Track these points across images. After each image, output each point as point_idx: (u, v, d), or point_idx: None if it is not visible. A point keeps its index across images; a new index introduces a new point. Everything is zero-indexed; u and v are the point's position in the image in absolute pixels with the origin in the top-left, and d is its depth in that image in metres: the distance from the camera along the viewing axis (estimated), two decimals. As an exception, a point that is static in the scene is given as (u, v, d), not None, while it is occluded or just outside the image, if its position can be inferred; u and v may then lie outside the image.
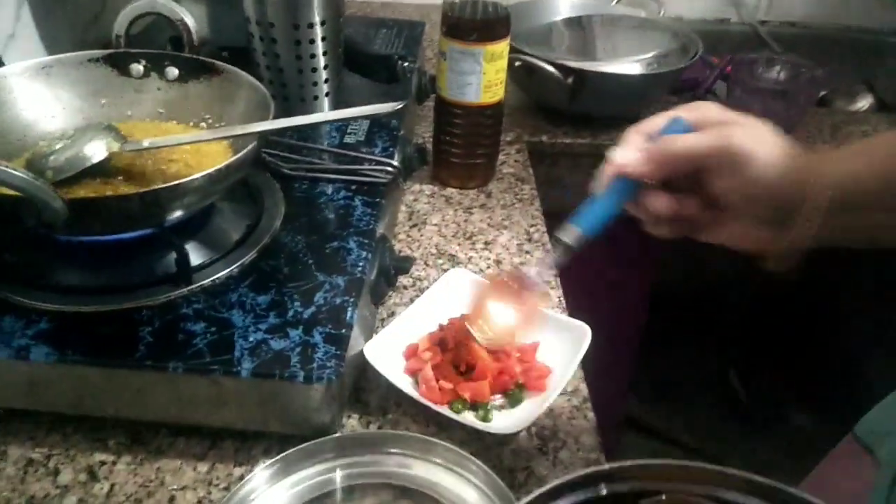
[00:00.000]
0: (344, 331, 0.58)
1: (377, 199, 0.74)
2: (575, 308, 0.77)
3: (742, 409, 1.71)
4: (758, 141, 0.45)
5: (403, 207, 0.91)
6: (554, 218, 0.92)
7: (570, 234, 0.47)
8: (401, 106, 0.57)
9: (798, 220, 0.44)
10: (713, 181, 0.46)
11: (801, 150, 0.47)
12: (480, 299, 0.48)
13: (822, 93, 1.41)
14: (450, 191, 0.95)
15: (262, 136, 0.62)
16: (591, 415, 0.65)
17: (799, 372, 1.59)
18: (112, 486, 0.56)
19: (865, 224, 0.45)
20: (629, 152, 0.47)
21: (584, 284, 0.87)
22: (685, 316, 1.72)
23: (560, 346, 0.68)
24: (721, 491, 0.37)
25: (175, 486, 0.56)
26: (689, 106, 0.49)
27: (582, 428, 0.64)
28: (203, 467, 0.58)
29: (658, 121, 0.49)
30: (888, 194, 0.43)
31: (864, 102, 1.42)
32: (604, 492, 0.36)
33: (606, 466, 0.37)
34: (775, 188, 0.45)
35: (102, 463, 0.57)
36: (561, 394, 0.66)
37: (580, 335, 0.68)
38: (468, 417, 0.62)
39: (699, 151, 0.45)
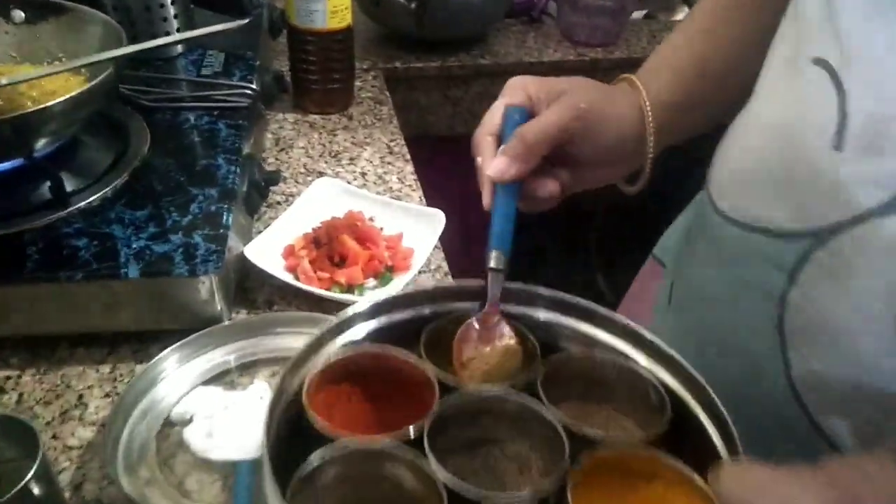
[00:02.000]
0: (222, 231, 0.65)
1: (240, 122, 0.80)
2: (440, 206, 0.86)
3: (609, 305, 1.90)
4: (599, 99, 0.51)
5: (270, 135, 0.97)
6: (415, 142, 1.01)
7: (498, 259, 0.46)
8: (245, 21, 0.63)
9: (645, 143, 0.52)
10: (576, 149, 0.50)
11: (623, 85, 0.54)
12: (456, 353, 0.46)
13: (645, 11, 1.57)
14: (312, 117, 1.02)
15: (117, 62, 0.66)
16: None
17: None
18: (20, 395, 0.60)
19: (682, 123, 0.54)
20: (495, 162, 0.47)
21: (445, 189, 0.97)
22: (557, 229, 1.89)
23: (420, 232, 0.78)
24: (532, 310, 0.48)
25: (81, 387, 0.61)
26: (508, 92, 0.52)
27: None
28: (105, 369, 0.63)
29: (495, 117, 0.50)
30: (691, 100, 0.53)
31: (681, 14, 1.59)
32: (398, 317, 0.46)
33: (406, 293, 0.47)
34: (629, 133, 0.52)
35: (7, 378, 0.62)
36: (425, 271, 0.76)
37: (437, 220, 0.78)
38: (346, 297, 0.70)
39: (554, 132, 0.48)
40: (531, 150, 0.48)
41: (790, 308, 0.43)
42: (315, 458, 0.38)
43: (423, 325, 0.46)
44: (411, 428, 0.39)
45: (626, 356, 0.45)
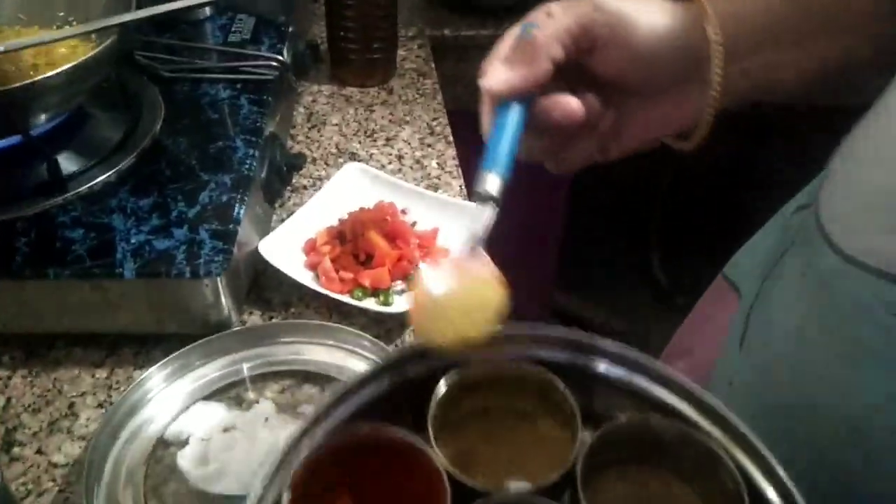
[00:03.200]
0: (231, 226, 0.57)
1: (265, 97, 0.72)
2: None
3: (663, 295, 1.79)
4: (629, 5, 0.39)
5: (302, 109, 0.89)
6: (459, 116, 0.92)
7: (493, 183, 0.37)
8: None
9: (701, 75, 0.39)
10: (604, 63, 0.40)
11: (679, 4, 0.41)
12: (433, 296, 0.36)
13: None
14: (350, 90, 0.93)
15: (124, 29, 0.58)
16: (490, 291, 0.66)
17: (713, 256, 1.67)
18: (8, 399, 0.55)
19: (759, 67, 0.40)
20: (500, 73, 0.38)
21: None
22: (608, 210, 1.76)
23: (460, 229, 0.69)
24: (536, 349, 0.38)
25: (74, 394, 0.56)
26: (536, 12, 0.41)
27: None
28: (102, 373, 0.57)
29: (507, 39, 0.41)
30: (776, 27, 0.39)
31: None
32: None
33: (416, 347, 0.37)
34: (669, 47, 0.39)
35: (-4, 378, 0.57)
36: (461, 274, 0.67)
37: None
38: (369, 303, 0.63)
39: (572, 28, 0.38)
40: (535, 50, 0.38)
41: None
42: None
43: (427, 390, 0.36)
44: None
45: (690, 422, 0.35)
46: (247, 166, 0.63)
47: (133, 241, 0.55)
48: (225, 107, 0.70)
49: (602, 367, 0.38)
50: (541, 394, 0.37)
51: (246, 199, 0.60)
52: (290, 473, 0.32)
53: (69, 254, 0.54)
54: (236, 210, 0.59)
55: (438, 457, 0.33)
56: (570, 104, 0.38)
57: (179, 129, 0.67)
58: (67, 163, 0.59)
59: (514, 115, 0.39)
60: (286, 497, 0.31)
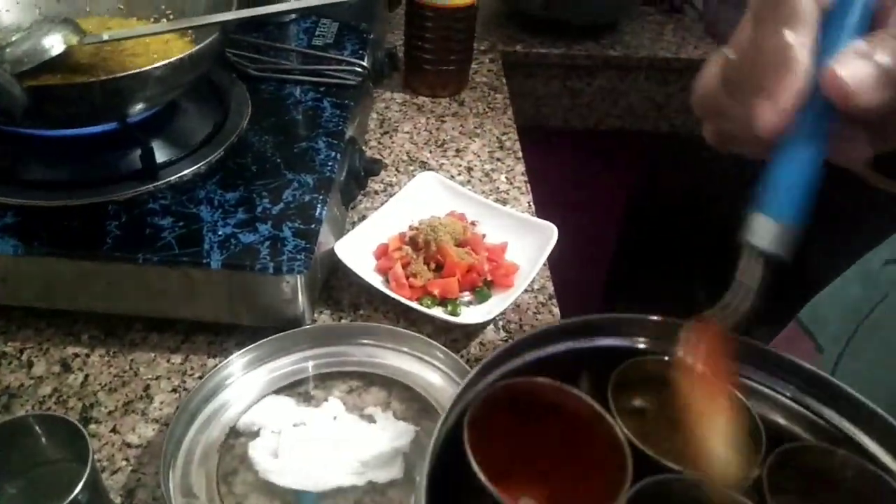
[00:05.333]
0: (313, 225, 0.58)
1: (346, 101, 0.73)
2: (548, 212, 0.78)
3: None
4: None
5: (375, 115, 0.90)
6: (527, 132, 0.92)
7: (768, 233, 0.27)
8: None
9: None
10: None
11: None
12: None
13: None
14: (422, 99, 0.94)
15: (225, 28, 0.60)
16: (556, 310, 0.67)
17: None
18: (86, 376, 0.57)
19: None
20: (853, 61, 0.26)
21: (556, 189, 0.88)
22: (659, 230, 1.75)
23: (527, 245, 0.70)
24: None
25: (150, 377, 0.57)
26: None
27: (547, 322, 0.66)
28: (177, 359, 0.59)
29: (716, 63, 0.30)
30: None
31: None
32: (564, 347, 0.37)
33: (563, 322, 0.37)
34: None
35: (76, 356, 0.58)
36: (528, 290, 0.67)
37: (547, 235, 0.69)
38: (437, 312, 0.63)
39: None
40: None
41: None
42: None
43: (603, 363, 0.36)
44: None
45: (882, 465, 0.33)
46: (328, 168, 0.64)
47: (220, 232, 0.57)
48: (308, 108, 0.72)
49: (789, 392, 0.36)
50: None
51: (328, 200, 0.61)
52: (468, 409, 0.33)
53: (158, 240, 0.56)
54: (318, 210, 0.60)
55: (621, 426, 0.33)
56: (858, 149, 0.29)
57: (265, 127, 0.68)
58: (159, 152, 0.61)
59: (818, 132, 0.28)
60: (466, 431, 0.32)
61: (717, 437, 0.31)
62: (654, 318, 0.38)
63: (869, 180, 0.34)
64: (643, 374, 0.37)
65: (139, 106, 0.59)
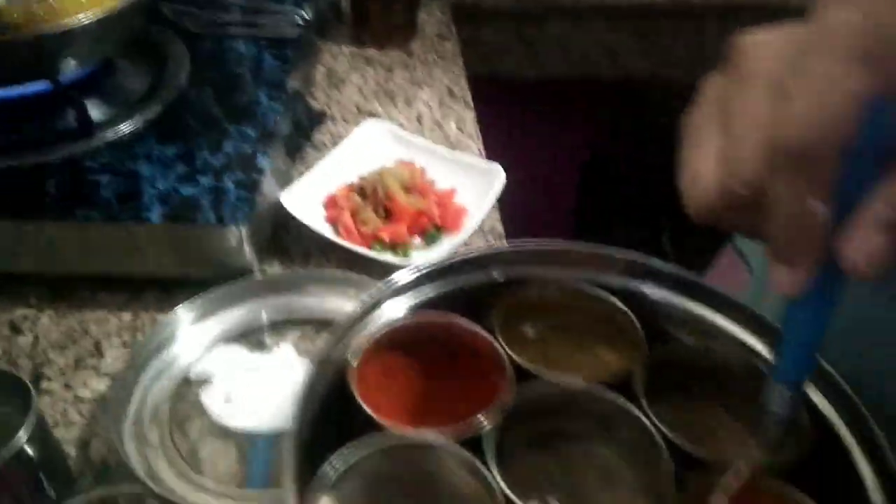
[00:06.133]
0: (255, 176, 0.59)
1: (288, 53, 0.73)
2: (506, 164, 0.78)
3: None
4: None
5: (322, 68, 0.89)
6: (477, 83, 0.92)
7: (782, 399, 0.29)
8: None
9: None
10: None
11: None
12: None
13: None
14: (370, 51, 0.93)
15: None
16: (506, 250, 0.67)
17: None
18: (36, 337, 0.57)
19: None
20: (860, 236, 0.24)
21: (514, 141, 0.88)
22: (622, 178, 1.76)
23: (476, 189, 0.70)
24: (603, 276, 0.40)
25: (100, 334, 0.57)
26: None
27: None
28: (127, 316, 0.59)
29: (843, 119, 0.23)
30: None
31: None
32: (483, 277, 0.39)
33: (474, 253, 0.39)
34: None
35: (25, 318, 0.58)
36: (478, 232, 0.68)
37: (494, 177, 0.70)
38: (388, 257, 0.64)
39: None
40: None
41: None
42: (348, 451, 0.32)
43: (496, 294, 0.39)
44: (481, 418, 0.33)
45: (753, 351, 0.36)
46: (270, 119, 0.64)
47: (160, 187, 0.57)
48: (249, 62, 0.71)
49: (659, 292, 0.39)
50: (601, 318, 0.39)
51: (269, 150, 0.61)
52: (353, 345, 0.35)
53: (97, 197, 0.55)
54: (260, 161, 0.60)
55: (501, 344, 0.36)
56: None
57: (204, 82, 0.67)
58: (95, 111, 0.60)
59: (833, 289, 0.26)
60: (360, 349, 0.35)
61: (598, 345, 0.34)
62: (545, 243, 0.40)
63: None
64: (536, 302, 0.40)
65: (71, 63, 0.58)
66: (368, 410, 0.33)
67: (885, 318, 0.40)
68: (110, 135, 0.60)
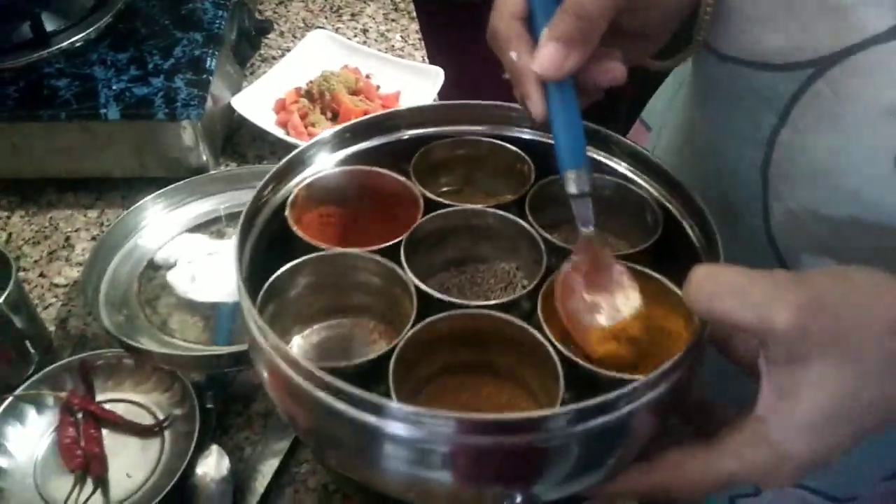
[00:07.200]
0: (205, 76, 0.62)
1: (232, -35, 0.75)
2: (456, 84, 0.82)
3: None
4: None
5: (268, -15, 0.92)
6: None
7: (579, 181, 0.36)
8: None
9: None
10: (635, 18, 0.38)
11: None
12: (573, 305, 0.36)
13: None
14: (316, -31, 0.96)
15: None
16: (447, 145, 0.72)
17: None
18: (10, 234, 0.61)
19: None
20: (544, 53, 0.34)
21: (454, 43, 0.92)
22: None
23: (419, 91, 0.75)
24: (501, 128, 0.46)
25: (69, 230, 0.62)
26: None
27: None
28: (93, 213, 0.63)
29: None
30: None
31: None
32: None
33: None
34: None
35: (-4, 218, 0.62)
36: (421, 130, 0.73)
37: (435, 77, 0.74)
38: (336, 154, 0.69)
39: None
40: (592, 25, 0.34)
41: (779, 148, 0.40)
42: (288, 266, 0.38)
43: (415, 148, 0.45)
44: (403, 240, 0.39)
45: (625, 178, 0.43)
46: (217, 25, 0.68)
47: (115, 87, 0.60)
48: (194, -27, 0.74)
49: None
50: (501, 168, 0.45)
51: (217, 53, 0.65)
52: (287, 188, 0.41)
53: (57, 99, 0.59)
54: (208, 62, 0.64)
55: (417, 186, 0.42)
56: (616, 70, 0.36)
57: (152, -7, 0.70)
58: (48, 22, 0.63)
59: (571, 95, 0.36)
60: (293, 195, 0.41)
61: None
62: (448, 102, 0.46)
63: (651, 67, 0.44)
64: (448, 155, 0.46)
65: (20, -26, 0.61)
66: (300, 233, 0.39)
67: None
68: (64, 43, 0.63)
